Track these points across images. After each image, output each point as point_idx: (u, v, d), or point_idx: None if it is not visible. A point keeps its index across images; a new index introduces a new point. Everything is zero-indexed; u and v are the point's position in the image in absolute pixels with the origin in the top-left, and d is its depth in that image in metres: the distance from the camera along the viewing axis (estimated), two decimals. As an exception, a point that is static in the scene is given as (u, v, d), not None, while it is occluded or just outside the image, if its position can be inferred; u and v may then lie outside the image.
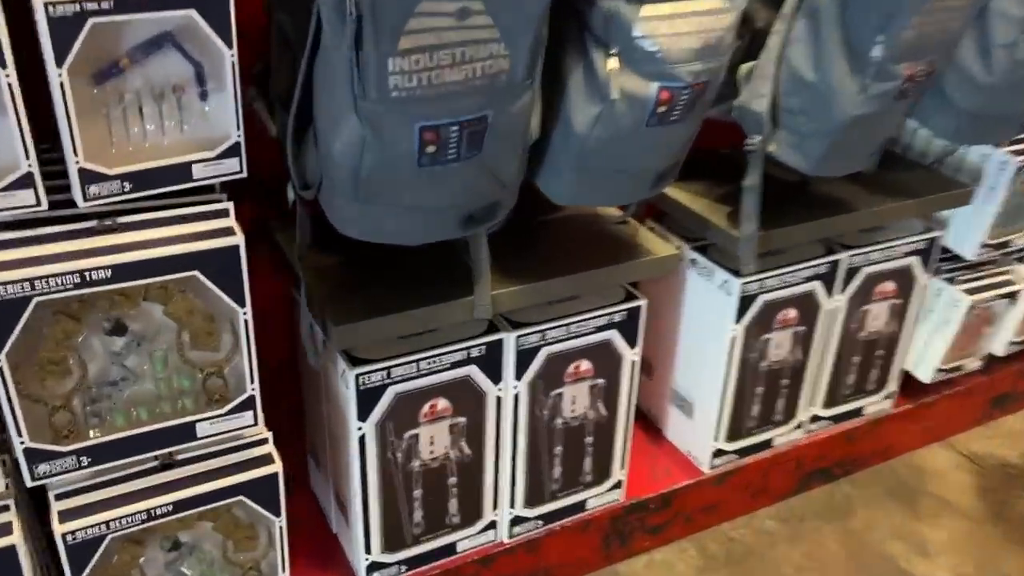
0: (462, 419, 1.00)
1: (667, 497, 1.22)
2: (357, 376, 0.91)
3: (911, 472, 1.42)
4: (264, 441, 0.88)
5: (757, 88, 0.92)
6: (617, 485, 1.17)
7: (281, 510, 0.89)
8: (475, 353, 0.97)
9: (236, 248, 0.74)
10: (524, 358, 1.00)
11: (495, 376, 0.99)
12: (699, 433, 1.23)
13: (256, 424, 0.84)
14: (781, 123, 0.93)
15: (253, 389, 0.81)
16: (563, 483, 1.12)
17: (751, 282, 1.10)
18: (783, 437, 1.27)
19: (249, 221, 1.05)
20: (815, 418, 1.30)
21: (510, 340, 0.98)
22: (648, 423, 1.32)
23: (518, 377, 1.01)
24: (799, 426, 1.28)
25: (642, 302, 1.04)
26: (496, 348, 0.98)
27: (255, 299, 1.12)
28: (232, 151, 0.73)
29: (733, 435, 1.22)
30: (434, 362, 0.95)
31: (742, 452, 1.25)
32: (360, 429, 0.94)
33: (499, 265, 0.92)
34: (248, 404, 0.82)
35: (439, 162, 0.71)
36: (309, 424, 1.16)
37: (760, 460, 1.27)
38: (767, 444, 1.26)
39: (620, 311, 1.03)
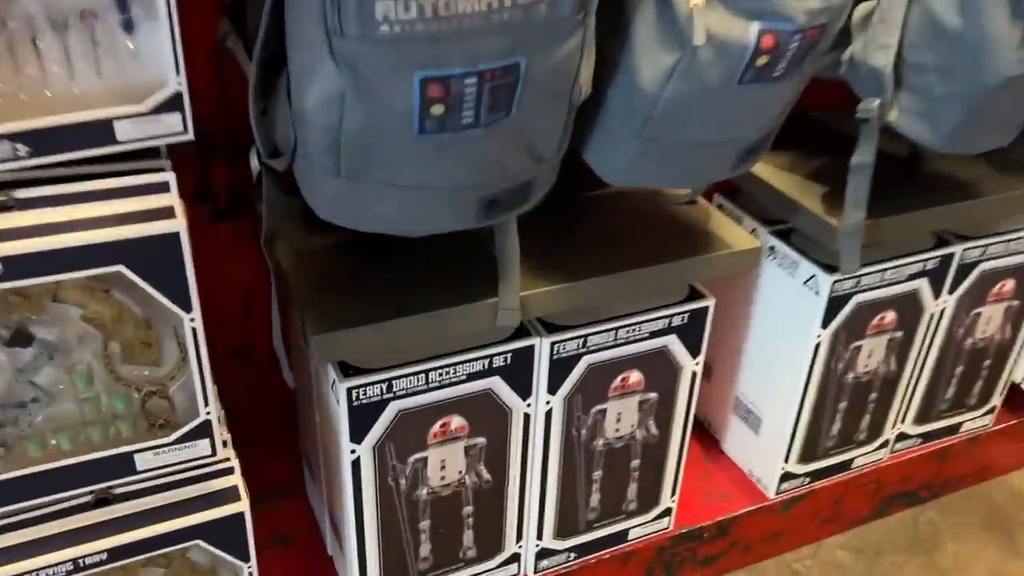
0: (481, 440, 0.81)
1: (723, 525, 1.03)
2: (350, 390, 0.73)
3: (1011, 497, 1.21)
4: (228, 471, 0.69)
5: (878, 36, 0.70)
6: (666, 513, 0.98)
7: (250, 554, 0.72)
8: (499, 362, 0.77)
9: (176, 236, 0.55)
10: (560, 368, 0.80)
11: (523, 390, 0.80)
12: (766, 452, 1.03)
13: (214, 454, 0.66)
14: (906, 83, 0.71)
15: (208, 413, 0.63)
16: (601, 512, 0.93)
17: (845, 280, 0.89)
18: (865, 458, 1.07)
19: (226, 187, 0.87)
20: (902, 436, 1.09)
21: (543, 347, 0.79)
22: (704, 433, 1.12)
23: (552, 391, 0.81)
24: (884, 445, 1.08)
25: (709, 302, 0.84)
26: (525, 357, 0.78)
27: (239, 276, 0.94)
28: (172, 104, 0.54)
29: (807, 456, 1.02)
30: (447, 373, 0.76)
31: (815, 475, 1.05)
32: (353, 452, 0.76)
33: (531, 256, 0.73)
34: (203, 431, 0.64)
35: (450, 128, 0.51)
36: (302, 425, 0.98)
37: (835, 484, 1.07)
38: (845, 466, 1.06)
39: (681, 313, 0.83)
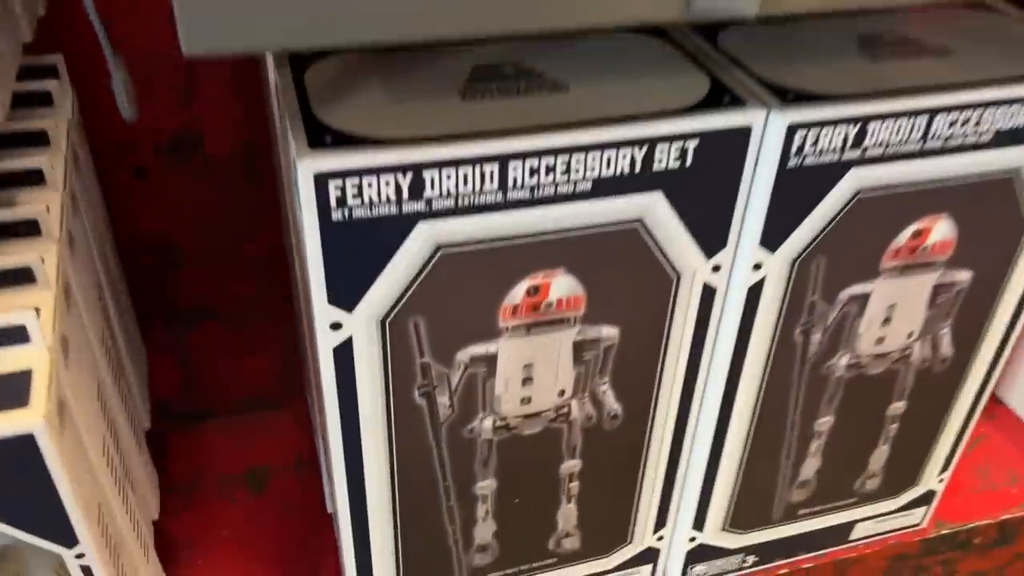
0: (609, 332, 0.39)
1: (1006, 528, 0.59)
2: (323, 180, 0.31)
3: None
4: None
5: None
6: (924, 500, 0.54)
7: (73, 531, 0.32)
8: (666, 160, 0.35)
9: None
10: (795, 192, 0.37)
11: (711, 232, 0.37)
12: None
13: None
14: None
15: None
16: (817, 489, 0.50)
17: None
18: None
19: None
20: None
21: (770, 134, 0.35)
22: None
23: (771, 242, 0.38)
24: None
25: None
26: (725, 153, 0.35)
27: None
28: None
29: None
30: (550, 170, 0.33)
31: None
32: (337, 329, 0.35)
33: None
34: None
35: None
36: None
37: None
38: None
39: (1070, 95, 0.38)
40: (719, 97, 0.35)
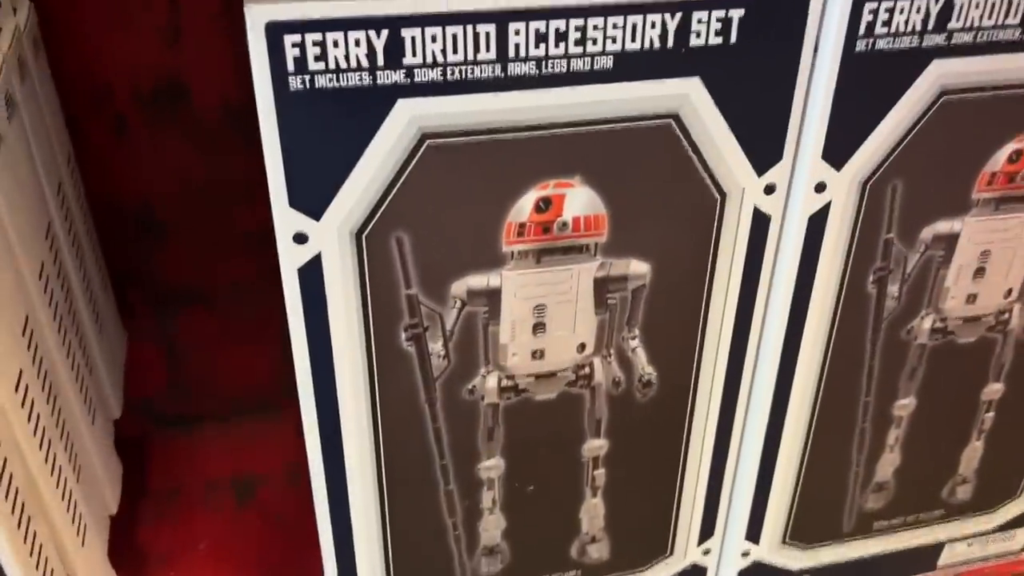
0: (638, 268, 0.32)
1: None
2: (273, 34, 0.25)
3: None
4: None
5: None
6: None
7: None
8: (706, 34, 0.28)
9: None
10: (866, 86, 0.30)
11: (763, 142, 0.31)
12: None
13: None
14: None
15: None
16: (895, 497, 0.42)
17: None
18: None
19: None
20: None
21: (833, 2, 0.29)
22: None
23: (836, 158, 0.31)
24: None
25: None
26: (777, 27, 0.29)
27: None
28: None
29: None
30: (556, 36, 0.27)
31: None
32: (303, 243, 0.29)
33: None
34: None
35: None
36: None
37: None
38: None
39: None
40: (769, -39, 0.29)
